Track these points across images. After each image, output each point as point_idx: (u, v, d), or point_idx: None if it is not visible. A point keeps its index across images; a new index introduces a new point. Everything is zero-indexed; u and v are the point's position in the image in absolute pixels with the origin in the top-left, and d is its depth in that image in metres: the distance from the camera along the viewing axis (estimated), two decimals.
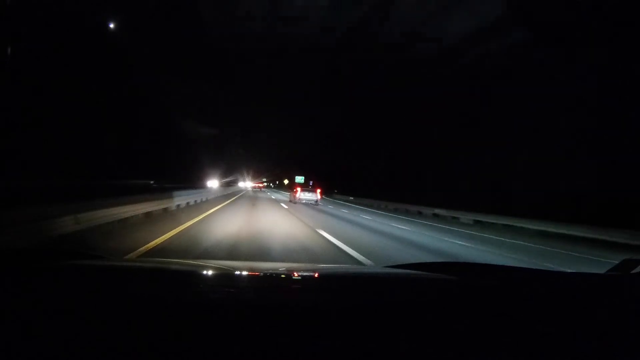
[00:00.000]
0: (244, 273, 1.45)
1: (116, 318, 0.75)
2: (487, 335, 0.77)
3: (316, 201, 19.78)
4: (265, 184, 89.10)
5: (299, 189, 20.62)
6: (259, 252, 4.98)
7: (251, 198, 22.96)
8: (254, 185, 65.53)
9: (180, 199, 11.22)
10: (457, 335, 0.76)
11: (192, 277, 1.29)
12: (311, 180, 25.65)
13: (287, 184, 60.03)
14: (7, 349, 0.63)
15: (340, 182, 38.77)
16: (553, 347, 0.73)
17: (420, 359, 0.69)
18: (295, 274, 1.54)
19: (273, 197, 28.56)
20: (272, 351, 0.66)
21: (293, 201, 19.97)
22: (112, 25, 15.94)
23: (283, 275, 1.50)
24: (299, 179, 29.31)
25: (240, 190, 39.20)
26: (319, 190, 20.52)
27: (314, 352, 0.67)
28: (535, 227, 11.68)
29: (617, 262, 1.28)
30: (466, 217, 14.79)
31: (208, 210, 11.16)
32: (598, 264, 6.55)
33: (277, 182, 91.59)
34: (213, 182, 26.12)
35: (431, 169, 24.62)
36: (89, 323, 0.72)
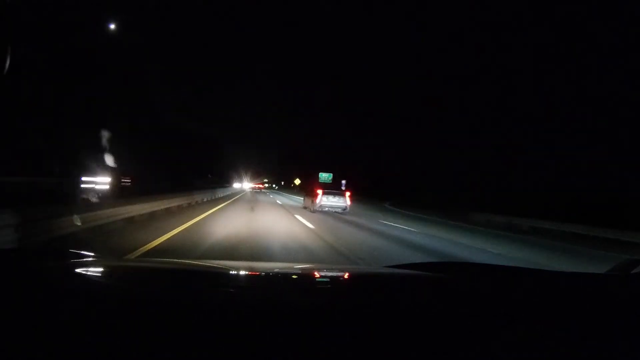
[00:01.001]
0: (244, 273, 1.45)
1: (116, 318, 0.75)
2: (487, 335, 0.77)
3: (345, 208, 14.84)
4: (266, 184, 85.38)
5: (320, 191, 14.90)
6: None
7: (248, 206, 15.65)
8: (253, 186, 63.39)
9: None
10: (456, 335, 0.76)
11: (192, 277, 1.30)
12: (343, 179, 18.02)
13: (299, 185, 50.70)
14: (7, 348, 0.63)
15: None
16: (553, 347, 0.73)
17: (421, 359, 0.69)
18: (296, 274, 1.54)
19: (270, 196, 23.05)
20: (272, 352, 0.66)
21: (310, 208, 15.03)
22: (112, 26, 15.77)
23: (283, 275, 1.51)
24: (325, 176, 20.00)
25: (231, 196, 25.27)
26: (348, 194, 15.39)
27: (314, 352, 0.68)
28: None
29: None
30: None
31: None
32: None
33: (282, 183, 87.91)
34: (104, 179, 13.25)
35: (431, 169, 24.36)
36: (89, 323, 0.72)
